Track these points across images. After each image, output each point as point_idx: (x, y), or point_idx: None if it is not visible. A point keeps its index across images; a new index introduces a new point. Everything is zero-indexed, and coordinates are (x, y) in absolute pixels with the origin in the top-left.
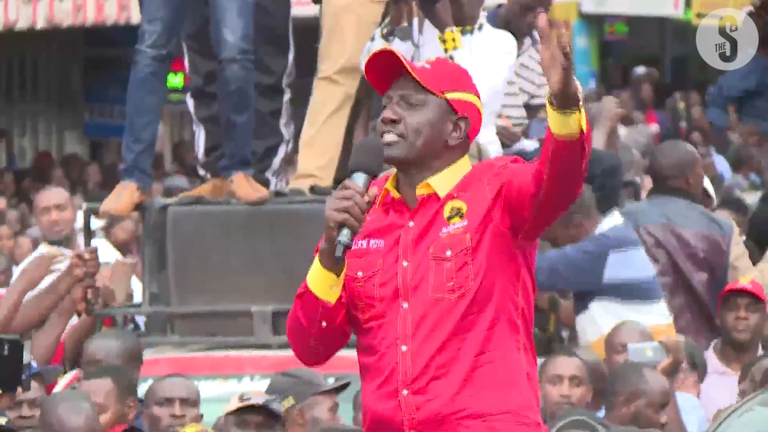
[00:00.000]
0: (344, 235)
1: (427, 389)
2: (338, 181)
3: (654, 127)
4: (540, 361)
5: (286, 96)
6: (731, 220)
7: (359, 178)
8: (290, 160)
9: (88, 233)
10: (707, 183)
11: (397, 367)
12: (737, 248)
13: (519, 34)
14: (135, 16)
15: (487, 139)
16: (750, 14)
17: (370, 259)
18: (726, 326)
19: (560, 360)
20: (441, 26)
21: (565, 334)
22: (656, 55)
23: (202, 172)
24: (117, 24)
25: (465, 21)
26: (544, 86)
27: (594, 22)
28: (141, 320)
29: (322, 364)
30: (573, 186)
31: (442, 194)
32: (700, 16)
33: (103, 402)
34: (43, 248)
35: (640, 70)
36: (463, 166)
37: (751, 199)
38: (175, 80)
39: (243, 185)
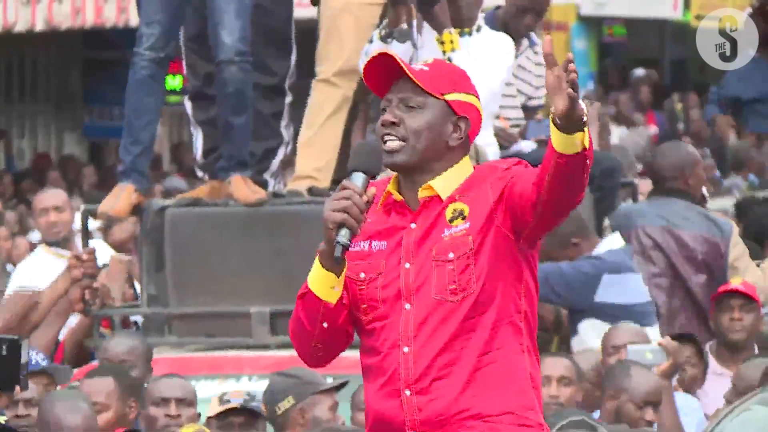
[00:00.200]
0: (343, 235)
1: (430, 390)
2: (336, 182)
3: (653, 129)
4: None
5: (288, 98)
6: (731, 221)
7: (358, 179)
8: (288, 162)
9: (86, 234)
10: None
11: (399, 367)
12: (737, 249)
13: (516, 36)
14: (134, 19)
15: (485, 141)
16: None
17: (372, 262)
18: (721, 328)
19: (548, 361)
20: (439, 28)
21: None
22: (655, 57)
23: (200, 173)
24: (116, 26)
25: (463, 23)
26: (542, 88)
27: (593, 23)
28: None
29: (326, 366)
30: (574, 196)
31: (444, 196)
32: (699, 17)
33: (105, 401)
34: (42, 250)
35: (639, 71)
36: (465, 168)
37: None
38: (174, 82)
39: (241, 187)
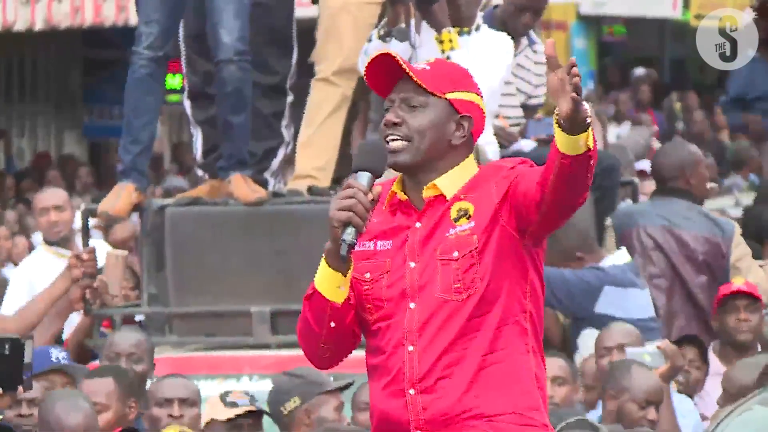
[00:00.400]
0: (348, 234)
1: (434, 389)
2: (336, 181)
3: (653, 128)
4: None
5: (289, 98)
6: (733, 222)
7: (363, 177)
8: (288, 161)
9: (86, 234)
10: None
11: (403, 366)
12: (739, 249)
13: (515, 35)
14: (133, 18)
15: (485, 140)
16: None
17: (377, 261)
18: (727, 328)
19: None
20: (438, 27)
21: None
22: (655, 56)
23: (200, 173)
24: (115, 25)
25: (462, 22)
26: (541, 86)
27: (592, 23)
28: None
29: (334, 367)
30: (578, 196)
31: (449, 195)
32: (698, 17)
33: (105, 401)
34: (42, 249)
35: (639, 71)
36: (469, 167)
37: (749, 200)
38: (174, 81)
39: (241, 186)
